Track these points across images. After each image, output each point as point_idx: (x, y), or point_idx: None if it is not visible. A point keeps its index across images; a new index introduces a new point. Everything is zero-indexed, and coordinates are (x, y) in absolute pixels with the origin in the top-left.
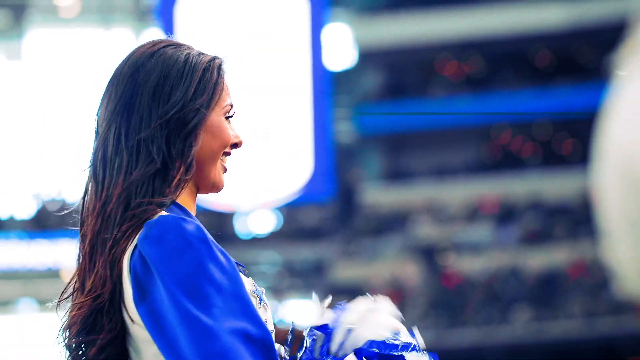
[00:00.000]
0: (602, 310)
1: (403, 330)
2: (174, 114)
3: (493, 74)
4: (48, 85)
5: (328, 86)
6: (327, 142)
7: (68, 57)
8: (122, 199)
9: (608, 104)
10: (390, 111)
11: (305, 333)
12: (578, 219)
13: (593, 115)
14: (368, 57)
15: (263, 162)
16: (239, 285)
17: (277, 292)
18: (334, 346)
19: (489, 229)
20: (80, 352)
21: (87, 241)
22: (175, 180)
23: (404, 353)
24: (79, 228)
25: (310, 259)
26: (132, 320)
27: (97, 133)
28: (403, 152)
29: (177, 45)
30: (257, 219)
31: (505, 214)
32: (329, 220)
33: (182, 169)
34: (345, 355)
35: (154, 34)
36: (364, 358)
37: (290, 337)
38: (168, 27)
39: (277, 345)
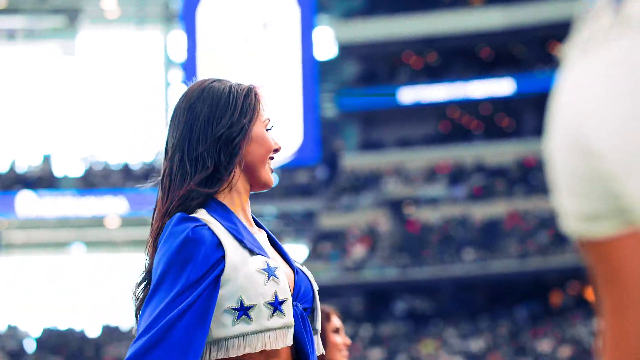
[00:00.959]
0: (532, 251)
1: None
2: (224, 132)
3: (446, 64)
4: (96, 74)
5: (315, 73)
6: (315, 117)
7: (111, 51)
8: (182, 200)
9: (557, 84)
10: (365, 94)
11: None
12: (513, 179)
13: (525, 97)
14: (347, 51)
15: None
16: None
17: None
18: None
19: (443, 187)
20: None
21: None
22: (221, 182)
23: None
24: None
25: (301, 211)
26: None
27: (165, 155)
28: (375, 126)
29: (220, 80)
30: None
31: (456, 175)
32: (316, 180)
33: (226, 174)
34: None
35: (179, 34)
36: None
37: None
38: (190, 28)
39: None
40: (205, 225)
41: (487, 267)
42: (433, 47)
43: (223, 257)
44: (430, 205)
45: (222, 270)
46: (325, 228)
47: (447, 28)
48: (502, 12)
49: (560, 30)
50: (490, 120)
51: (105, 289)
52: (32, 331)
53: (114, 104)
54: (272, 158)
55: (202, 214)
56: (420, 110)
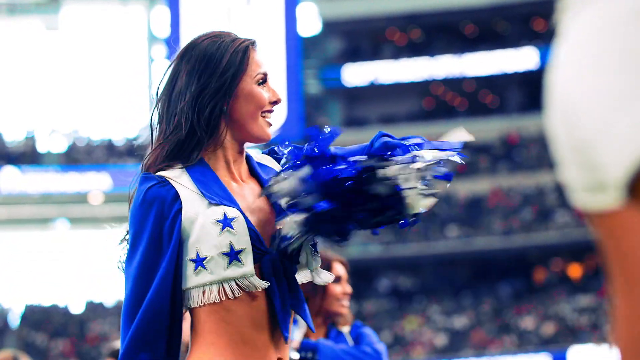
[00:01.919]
0: (516, 228)
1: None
2: (200, 90)
3: (429, 41)
4: (80, 49)
5: (299, 49)
6: (298, 94)
7: (94, 26)
8: (155, 158)
9: (552, 60)
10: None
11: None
12: (497, 156)
13: (508, 74)
14: (330, 27)
15: None
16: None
17: None
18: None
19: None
20: None
21: None
22: (199, 145)
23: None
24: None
25: None
26: None
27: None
28: (358, 103)
29: (217, 36)
30: None
31: None
32: None
33: (206, 135)
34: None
35: (162, 9)
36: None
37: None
38: (174, 4)
39: None
40: (164, 181)
41: (471, 244)
42: (417, 24)
43: (180, 210)
44: None
45: (180, 223)
46: None
47: (430, 4)
48: None
49: (543, 7)
50: (474, 97)
51: (89, 265)
52: (15, 307)
53: (97, 79)
54: (270, 111)
55: (171, 170)
56: (404, 87)
